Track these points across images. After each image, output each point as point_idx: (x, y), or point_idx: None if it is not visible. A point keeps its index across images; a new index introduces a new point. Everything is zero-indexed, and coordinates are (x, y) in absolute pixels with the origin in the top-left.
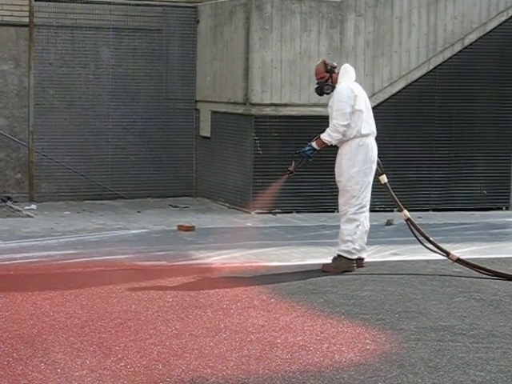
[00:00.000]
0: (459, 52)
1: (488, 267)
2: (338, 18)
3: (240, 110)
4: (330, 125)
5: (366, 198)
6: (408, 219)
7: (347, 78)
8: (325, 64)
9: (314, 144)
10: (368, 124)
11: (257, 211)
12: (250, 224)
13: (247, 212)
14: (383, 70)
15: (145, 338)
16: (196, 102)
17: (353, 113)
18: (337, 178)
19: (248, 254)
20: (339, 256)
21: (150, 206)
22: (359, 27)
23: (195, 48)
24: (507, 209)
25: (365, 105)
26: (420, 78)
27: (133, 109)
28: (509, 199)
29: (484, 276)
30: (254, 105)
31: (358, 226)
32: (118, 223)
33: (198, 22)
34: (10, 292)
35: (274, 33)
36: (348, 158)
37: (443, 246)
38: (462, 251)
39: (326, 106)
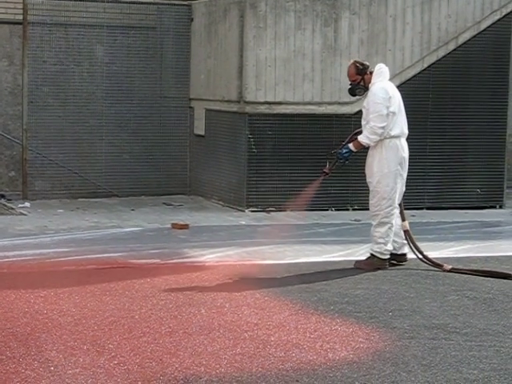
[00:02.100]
0: (453, 50)
1: (481, 268)
2: (333, 16)
3: (234, 108)
4: (367, 127)
5: (397, 198)
6: (406, 231)
7: (381, 79)
8: (355, 66)
9: (351, 146)
10: (399, 125)
11: (251, 209)
12: (243, 222)
13: (241, 210)
14: None
15: (138, 335)
16: (190, 100)
17: (387, 114)
18: (367, 179)
19: (242, 252)
20: (372, 255)
21: (144, 204)
22: (353, 25)
23: (189, 46)
24: (501, 207)
25: (398, 106)
26: (414, 76)
27: (127, 107)
28: (502, 198)
29: (472, 275)
30: (248, 103)
31: (390, 228)
32: (111, 221)
33: (192, 20)
34: (3, 290)
35: (268, 31)
36: (378, 159)
37: (436, 244)
38: (455, 249)
39: (319, 104)
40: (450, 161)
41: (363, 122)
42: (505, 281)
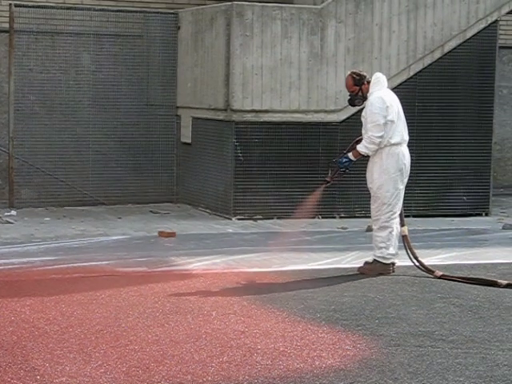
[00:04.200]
0: (439, 59)
1: (471, 276)
2: (319, 24)
3: (221, 116)
4: (365, 136)
5: (398, 204)
6: (404, 236)
7: (379, 88)
8: (352, 77)
9: (350, 155)
10: (399, 133)
11: (238, 217)
12: (230, 230)
13: (228, 218)
14: None
15: (125, 344)
16: (177, 108)
17: (385, 123)
18: (368, 185)
19: (229, 260)
20: (375, 260)
21: (131, 212)
22: (340, 34)
23: (176, 54)
24: (487, 215)
25: (397, 114)
26: (400, 84)
27: (113, 115)
28: (488, 205)
29: (462, 282)
30: (234, 111)
31: (390, 233)
32: (98, 229)
33: (178, 28)
34: None
35: (254, 39)
36: (379, 165)
37: (423, 251)
38: (442, 257)
39: (305, 112)
40: (437, 169)
41: (363, 131)
42: (491, 288)
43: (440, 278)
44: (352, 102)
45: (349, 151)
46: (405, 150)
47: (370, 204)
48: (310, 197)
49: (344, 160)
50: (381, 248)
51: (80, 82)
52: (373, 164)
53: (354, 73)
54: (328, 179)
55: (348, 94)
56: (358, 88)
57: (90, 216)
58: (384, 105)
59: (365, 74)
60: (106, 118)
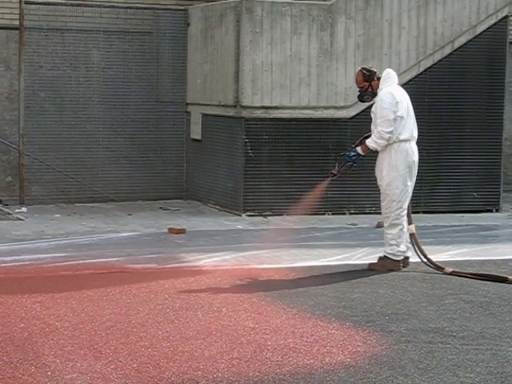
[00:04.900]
0: (449, 54)
1: (482, 272)
2: (329, 20)
3: (231, 112)
4: (375, 131)
5: (406, 201)
6: (412, 234)
7: (389, 84)
8: (363, 73)
9: (359, 149)
10: (408, 129)
11: (247, 214)
12: (240, 226)
13: (238, 214)
14: None
15: (135, 340)
16: (187, 104)
17: (394, 119)
18: (378, 182)
19: (239, 257)
20: (385, 256)
21: (141, 208)
22: (349, 30)
23: (186, 51)
24: (497, 211)
25: (406, 110)
26: (410, 80)
27: (123, 111)
28: (499, 201)
29: (472, 278)
30: (244, 107)
31: (401, 230)
32: (108, 226)
33: (188, 24)
34: (0, 295)
35: (264, 35)
36: (388, 162)
37: (433, 247)
38: (452, 253)
39: (315, 108)
40: (447, 165)
41: (372, 127)
42: (501, 284)
43: (450, 274)
44: (361, 98)
45: (358, 145)
46: (414, 147)
47: (379, 200)
48: (315, 190)
49: (352, 154)
50: (391, 245)
51: (90, 78)
52: (382, 161)
53: (365, 68)
54: (335, 172)
55: (357, 89)
56: (367, 84)
57: (100, 213)
58: (394, 100)
59: (375, 70)
60: (116, 114)
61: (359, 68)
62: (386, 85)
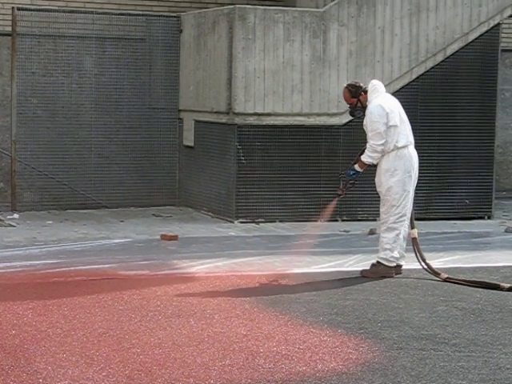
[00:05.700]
0: (441, 62)
1: (476, 279)
2: (321, 27)
3: (223, 119)
4: (367, 145)
5: (406, 206)
6: (414, 239)
7: (377, 95)
8: (349, 90)
9: (356, 167)
10: (405, 136)
11: (240, 220)
12: (233, 233)
13: (230, 221)
14: (366, 79)
15: (127, 347)
16: (179, 111)
17: (388, 129)
18: (377, 188)
19: (231, 263)
20: (378, 262)
21: (133, 215)
22: (342, 37)
23: (178, 57)
24: (489, 218)
25: (399, 118)
26: (402, 87)
27: (116, 118)
28: (491, 208)
29: (466, 285)
30: (237, 114)
31: (397, 235)
32: (100, 232)
33: (181, 31)
34: None
35: (257, 42)
36: (387, 168)
37: (426, 254)
38: (444, 260)
39: (308, 115)
40: (439, 171)
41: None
42: (493, 291)
43: (445, 280)
44: (352, 114)
45: (355, 163)
46: (412, 152)
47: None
48: (325, 210)
49: (351, 172)
50: (385, 250)
51: (82, 85)
52: (380, 168)
53: (350, 85)
54: (339, 192)
55: (347, 106)
56: (355, 100)
57: (93, 219)
58: (383, 112)
59: (360, 84)
60: (109, 121)
61: (344, 85)
62: (373, 96)
